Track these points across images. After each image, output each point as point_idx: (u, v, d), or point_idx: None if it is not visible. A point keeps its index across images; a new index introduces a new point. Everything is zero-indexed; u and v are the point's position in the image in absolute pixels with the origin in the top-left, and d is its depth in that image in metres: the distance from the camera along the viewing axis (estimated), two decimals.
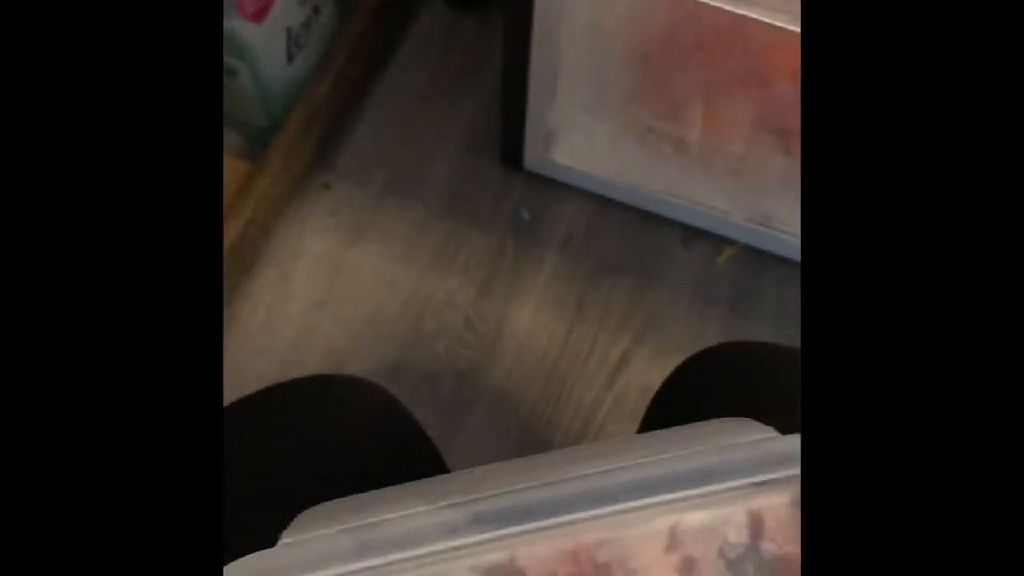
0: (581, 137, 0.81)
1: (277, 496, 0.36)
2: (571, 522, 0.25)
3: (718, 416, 0.33)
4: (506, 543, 0.25)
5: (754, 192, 0.72)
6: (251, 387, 0.47)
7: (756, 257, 0.90)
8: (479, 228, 0.93)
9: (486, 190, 0.94)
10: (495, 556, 0.25)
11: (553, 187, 0.92)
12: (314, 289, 0.91)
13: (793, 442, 0.26)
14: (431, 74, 0.99)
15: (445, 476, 0.34)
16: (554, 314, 0.90)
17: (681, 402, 0.47)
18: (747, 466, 0.26)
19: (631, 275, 0.91)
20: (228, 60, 0.80)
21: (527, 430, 0.88)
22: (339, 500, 0.32)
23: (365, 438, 0.44)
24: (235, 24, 0.76)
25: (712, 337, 0.90)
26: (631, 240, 0.92)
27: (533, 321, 0.90)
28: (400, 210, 0.93)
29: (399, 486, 0.31)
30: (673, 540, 0.25)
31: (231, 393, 0.44)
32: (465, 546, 0.25)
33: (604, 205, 0.92)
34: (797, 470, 0.25)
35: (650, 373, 0.88)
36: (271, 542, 0.26)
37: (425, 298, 0.91)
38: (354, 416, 0.46)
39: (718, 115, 0.68)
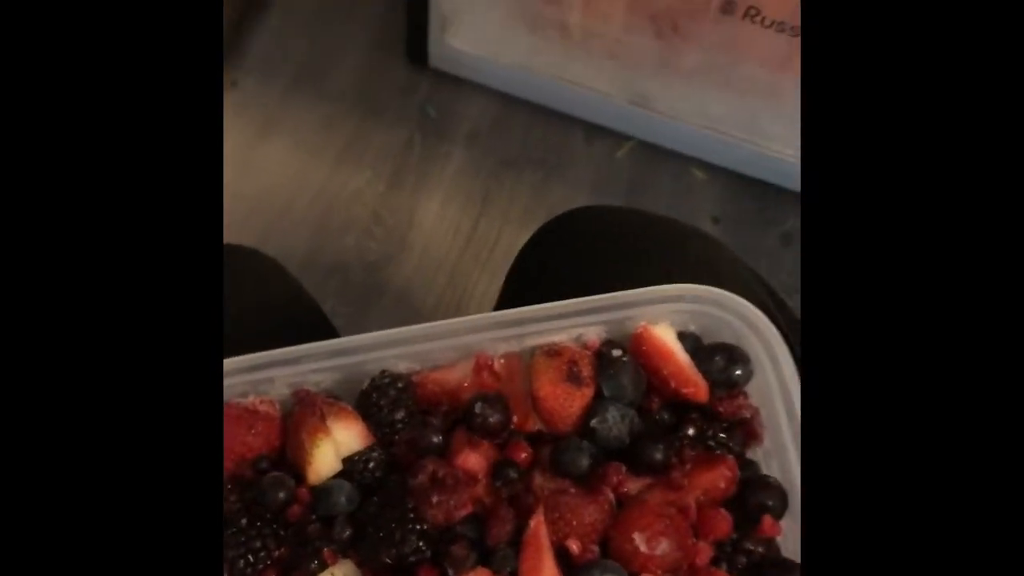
0: (476, 21, 0.83)
1: None
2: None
3: (571, 267, 0.40)
4: None
5: (631, 73, 0.75)
6: None
7: (650, 152, 0.93)
8: (387, 124, 0.95)
9: (393, 87, 0.96)
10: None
11: (458, 85, 0.95)
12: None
13: None
14: None
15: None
16: (460, 207, 0.93)
17: (539, 257, 0.49)
18: None
19: (535, 170, 0.94)
20: None
21: (434, 320, 0.91)
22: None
23: (262, 311, 0.45)
24: None
25: None
26: (535, 136, 0.95)
27: (440, 214, 0.93)
28: (308, 106, 0.95)
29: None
30: None
31: None
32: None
33: (509, 102, 0.94)
34: None
35: None
36: None
37: (334, 193, 0.93)
38: (256, 290, 0.46)
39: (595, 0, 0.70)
